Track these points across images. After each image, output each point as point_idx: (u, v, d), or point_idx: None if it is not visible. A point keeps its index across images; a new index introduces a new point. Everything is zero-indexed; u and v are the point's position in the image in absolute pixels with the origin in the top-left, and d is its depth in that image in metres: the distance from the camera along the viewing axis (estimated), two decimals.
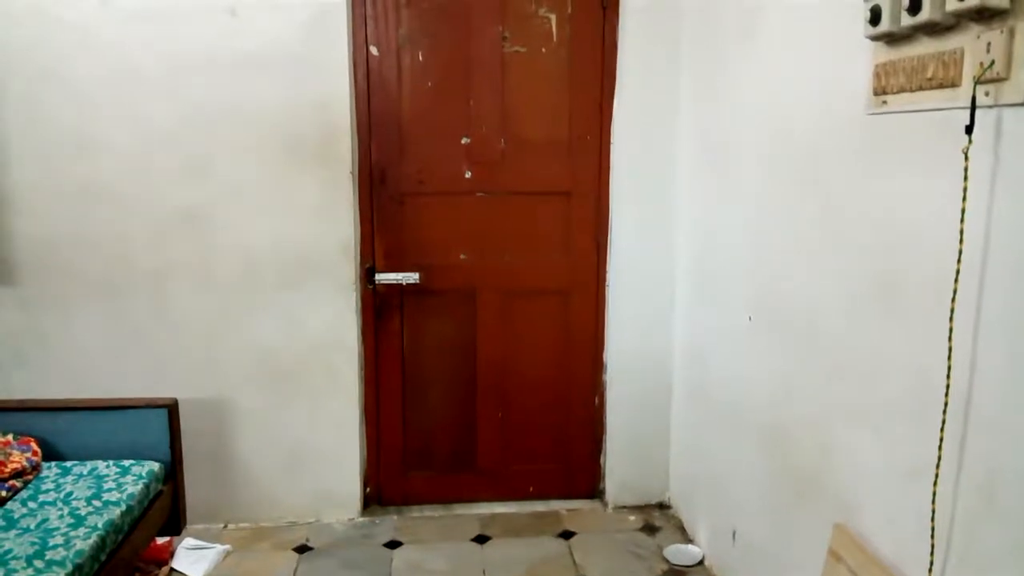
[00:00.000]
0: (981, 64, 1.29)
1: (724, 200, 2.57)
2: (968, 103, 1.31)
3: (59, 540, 1.99)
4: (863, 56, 1.65)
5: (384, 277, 2.98)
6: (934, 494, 1.43)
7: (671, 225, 3.00)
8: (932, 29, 1.41)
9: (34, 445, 2.43)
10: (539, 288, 3.09)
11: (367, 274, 2.98)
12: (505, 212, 3.01)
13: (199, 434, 2.85)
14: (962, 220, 1.34)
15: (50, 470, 2.40)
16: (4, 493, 2.22)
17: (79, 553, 1.94)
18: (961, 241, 1.35)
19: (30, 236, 2.77)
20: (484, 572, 2.68)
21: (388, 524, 3.01)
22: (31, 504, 2.20)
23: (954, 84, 1.38)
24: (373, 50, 2.86)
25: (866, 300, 1.71)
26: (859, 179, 1.73)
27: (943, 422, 1.41)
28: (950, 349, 1.38)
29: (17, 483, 2.28)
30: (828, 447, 1.89)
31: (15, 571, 1.84)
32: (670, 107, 2.92)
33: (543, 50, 2.92)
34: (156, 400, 2.55)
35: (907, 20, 1.43)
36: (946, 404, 1.40)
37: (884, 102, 1.60)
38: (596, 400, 3.16)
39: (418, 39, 2.87)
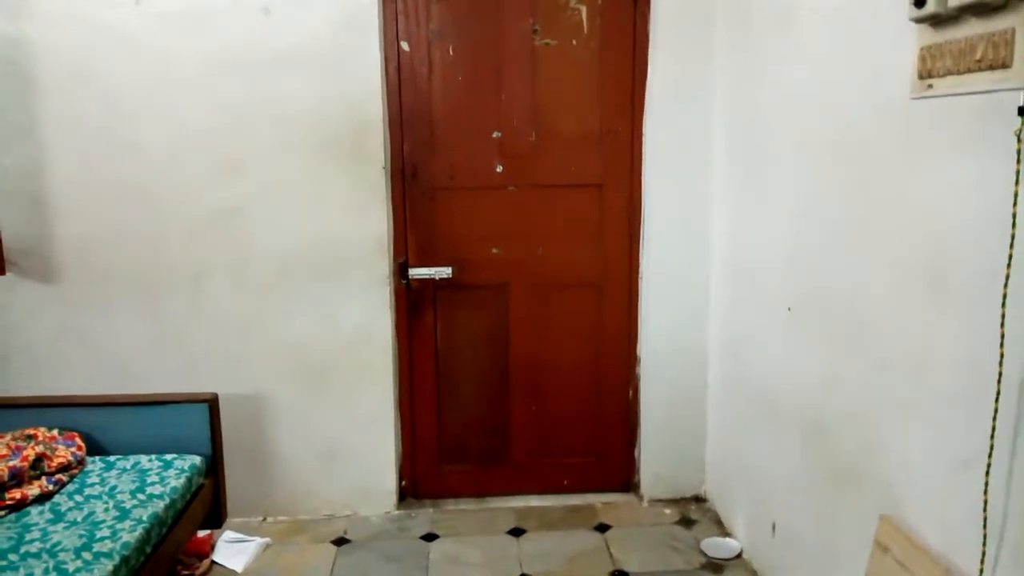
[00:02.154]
0: None
1: (762, 189, 2.54)
2: (1021, 84, 1.28)
3: (106, 533, 2.03)
4: (907, 39, 1.62)
5: (417, 272, 2.99)
6: (986, 484, 1.40)
7: (706, 216, 2.97)
8: (980, 9, 1.38)
9: (78, 440, 2.47)
10: (572, 281, 3.08)
11: (400, 269, 2.99)
12: (537, 206, 3.01)
13: (237, 429, 2.88)
14: (1015, 204, 1.31)
15: (94, 464, 2.44)
16: (51, 487, 2.26)
17: (126, 545, 1.98)
18: (1014, 226, 1.32)
19: (70, 236, 2.82)
20: (521, 565, 2.69)
21: (424, 517, 3.03)
22: (77, 497, 2.24)
23: (1005, 65, 1.35)
24: (404, 45, 2.87)
25: (912, 289, 1.68)
26: (903, 166, 1.70)
27: (995, 410, 1.38)
28: (1002, 336, 1.35)
29: (63, 477, 2.32)
30: (872, 439, 1.86)
31: (64, 563, 1.88)
32: (704, 97, 2.90)
33: (574, 42, 2.91)
34: (196, 395, 2.59)
35: (954, 1, 1.41)
36: (998, 392, 1.38)
37: (929, 86, 1.57)
38: (630, 393, 3.15)
39: (449, 33, 2.88)
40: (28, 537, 2.01)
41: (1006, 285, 1.34)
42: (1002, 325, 1.35)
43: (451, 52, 2.89)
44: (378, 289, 2.93)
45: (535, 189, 3.00)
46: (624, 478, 3.21)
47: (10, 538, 2.01)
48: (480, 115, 2.94)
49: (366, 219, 2.88)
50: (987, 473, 1.40)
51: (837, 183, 2.02)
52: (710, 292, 3.01)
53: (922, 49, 1.58)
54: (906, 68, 1.64)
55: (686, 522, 2.97)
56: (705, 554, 2.73)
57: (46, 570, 1.85)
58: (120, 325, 2.88)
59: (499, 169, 2.97)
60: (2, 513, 2.14)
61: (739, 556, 2.71)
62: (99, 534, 2.02)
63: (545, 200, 3.00)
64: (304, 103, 2.79)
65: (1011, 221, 1.32)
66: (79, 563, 1.88)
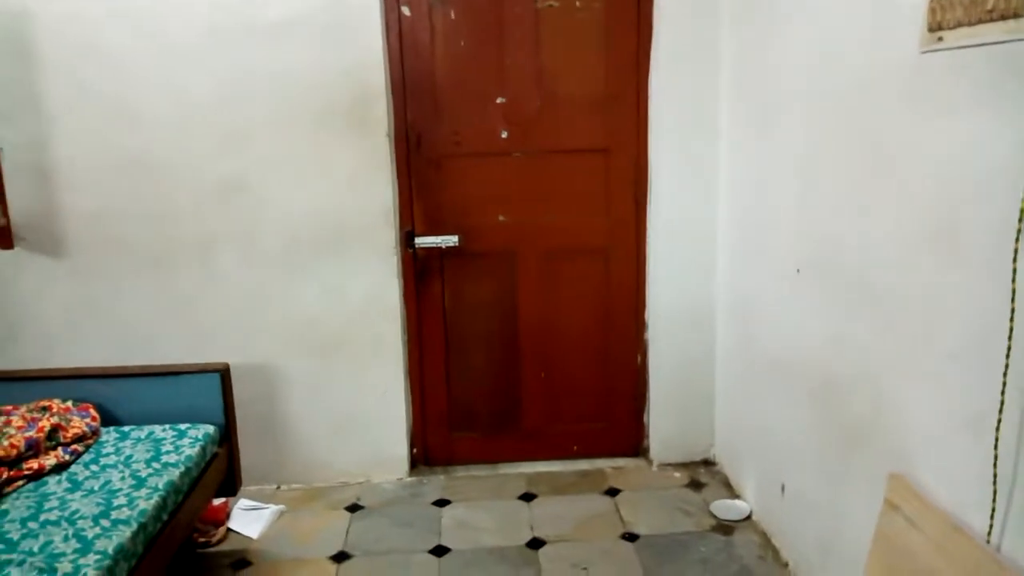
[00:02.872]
0: None
1: (768, 149, 2.51)
2: None
3: (123, 500, 2.06)
4: None
5: (424, 241, 2.99)
6: (996, 439, 1.40)
7: (713, 178, 2.94)
8: None
9: (93, 411, 2.50)
10: (579, 247, 3.07)
11: (407, 238, 2.99)
12: (543, 171, 2.99)
13: (249, 399, 2.91)
14: None
15: (109, 435, 2.47)
16: (68, 457, 2.29)
17: (143, 512, 2.01)
18: None
19: (79, 209, 2.83)
20: (532, 528, 2.72)
21: (436, 483, 3.06)
22: (93, 467, 2.27)
23: (1016, 15, 1.32)
24: (405, 10, 2.83)
25: (921, 247, 1.66)
26: (913, 122, 1.68)
27: (1006, 366, 1.37)
28: (1013, 291, 1.34)
29: (79, 447, 2.35)
30: (882, 398, 1.86)
31: (83, 530, 1.91)
32: (710, 57, 2.86)
33: (577, 4, 2.87)
34: (208, 365, 2.61)
35: None
36: (1009, 348, 1.37)
37: (940, 38, 1.54)
38: (638, 358, 3.15)
39: None
40: (47, 506, 2.05)
41: (1017, 240, 1.33)
42: (1013, 280, 1.34)
43: (452, 16, 2.85)
44: (385, 258, 2.93)
45: (541, 155, 2.97)
46: (633, 443, 3.23)
47: (29, 507, 2.04)
48: (483, 80, 2.91)
49: (371, 188, 2.87)
50: (997, 430, 1.40)
51: (845, 141, 1.99)
52: (718, 256, 2.99)
53: (932, 1, 1.54)
54: (916, 21, 1.61)
55: (695, 485, 2.99)
56: (715, 516, 2.75)
57: (65, 537, 1.88)
58: (129, 297, 2.90)
59: (504, 135, 2.95)
60: (20, 483, 2.18)
61: (748, 517, 2.73)
62: (116, 502, 2.05)
63: (551, 166, 2.98)
64: (306, 72, 2.77)
65: (1023, 175, 1.30)
66: (98, 530, 1.91)
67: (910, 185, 1.70)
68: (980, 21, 1.42)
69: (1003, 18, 1.36)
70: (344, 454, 3.07)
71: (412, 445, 3.15)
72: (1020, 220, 1.32)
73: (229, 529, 2.75)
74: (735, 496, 2.88)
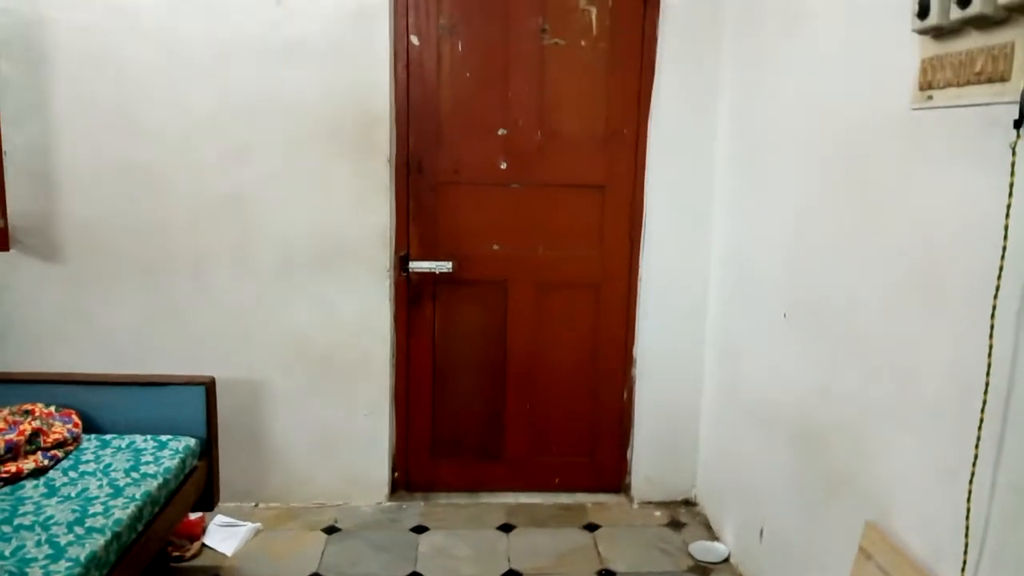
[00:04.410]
0: None
1: (762, 196, 2.56)
2: (1018, 97, 1.29)
3: (99, 508, 2.05)
4: (909, 51, 1.64)
5: (418, 265, 3.01)
6: (969, 492, 1.42)
7: (707, 220, 2.99)
8: (982, 23, 1.40)
9: (75, 417, 2.49)
10: (571, 281, 3.10)
11: (401, 262, 3.01)
12: (539, 204, 3.03)
13: (233, 414, 2.90)
14: (1007, 216, 1.32)
15: (90, 442, 2.46)
16: (46, 462, 2.28)
17: (118, 522, 1.99)
18: (1005, 238, 1.33)
19: (76, 216, 2.84)
20: (509, 560, 2.70)
21: (415, 509, 3.05)
22: (72, 474, 2.26)
23: (1003, 78, 1.36)
24: (414, 40, 2.89)
25: (905, 298, 1.69)
26: (901, 176, 1.72)
27: (981, 420, 1.39)
28: (991, 347, 1.37)
29: (59, 453, 2.34)
30: (861, 448, 1.87)
31: (57, 536, 1.90)
32: (709, 102, 2.91)
33: (582, 43, 2.93)
34: (194, 378, 2.60)
35: (956, 13, 1.42)
36: (985, 402, 1.39)
37: (930, 97, 1.58)
38: (625, 395, 3.16)
39: (458, 29, 2.90)
40: (22, 510, 2.03)
41: (995, 296, 1.36)
42: (990, 336, 1.36)
43: (460, 48, 2.91)
44: (378, 281, 2.95)
45: (538, 188, 3.01)
46: (615, 479, 3.22)
47: (3, 510, 2.03)
48: (486, 112, 2.96)
49: (369, 211, 2.90)
50: (971, 482, 1.42)
51: (835, 191, 2.03)
52: (708, 297, 3.02)
53: (924, 61, 1.59)
54: (908, 79, 1.65)
55: (675, 525, 2.99)
56: (693, 557, 2.74)
57: (38, 542, 1.87)
58: (121, 306, 2.90)
59: (503, 166, 2.99)
60: None
61: (726, 560, 2.72)
62: (92, 509, 2.04)
63: (548, 199, 3.02)
64: (312, 93, 2.81)
65: (1003, 233, 1.33)
66: (71, 537, 1.90)
67: (897, 238, 1.73)
68: (968, 83, 1.46)
69: (990, 81, 1.40)
70: (324, 474, 3.06)
71: (394, 469, 3.14)
72: (999, 277, 1.35)
73: (204, 545, 2.73)
74: (714, 538, 2.87)
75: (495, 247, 3.04)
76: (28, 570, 1.75)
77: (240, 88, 2.80)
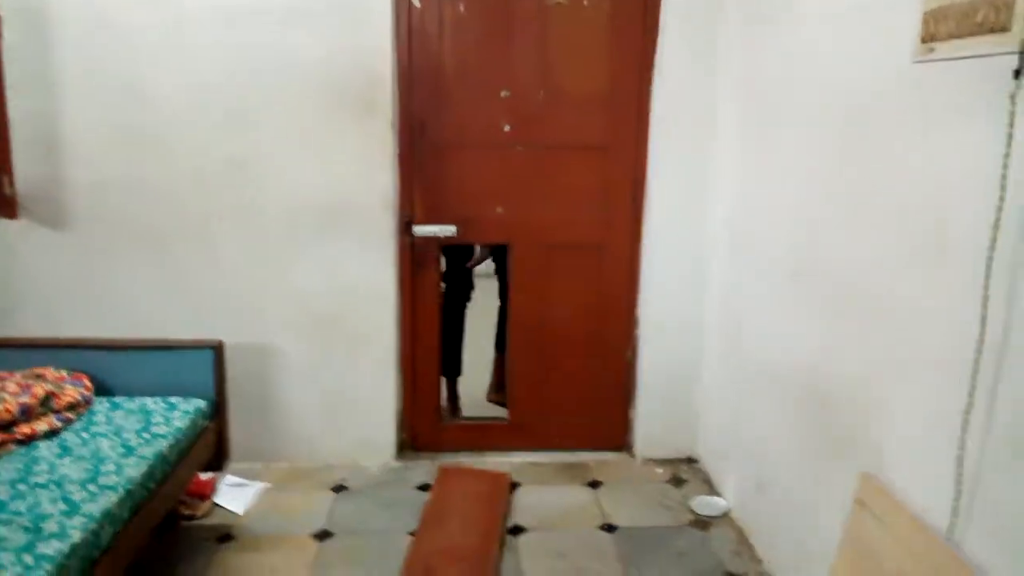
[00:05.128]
0: None
1: (766, 156, 2.55)
2: (1018, 47, 1.29)
3: (111, 467, 2.09)
4: (912, 3, 1.62)
5: (422, 229, 3.02)
6: (962, 440, 1.44)
7: (709, 181, 2.98)
8: None
9: (86, 381, 2.54)
10: (575, 242, 3.10)
11: (405, 226, 3.02)
12: (543, 166, 3.02)
13: (242, 377, 2.94)
14: (1005, 166, 1.33)
15: (101, 404, 2.50)
16: (59, 424, 2.33)
17: (130, 479, 2.04)
18: (1003, 188, 1.34)
19: (83, 183, 2.86)
20: (514, 516, 2.76)
21: (422, 469, 3.10)
22: (84, 435, 2.30)
23: (1004, 28, 1.35)
24: (415, 1, 2.86)
25: (905, 254, 1.70)
26: (903, 131, 1.71)
27: (975, 371, 1.41)
28: (986, 298, 1.38)
29: (71, 415, 2.38)
30: (860, 402, 1.90)
31: (71, 493, 1.95)
32: (712, 61, 2.89)
33: (585, 2, 2.90)
34: (202, 341, 2.64)
35: None
36: (979, 353, 1.40)
37: (931, 49, 1.57)
38: (628, 354, 3.19)
39: None
40: (36, 469, 2.08)
41: (992, 247, 1.36)
42: (985, 287, 1.37)
43: (462, 9, 2.89)
44: (383, 245, 2.97)
45: (541, 149, 3.01)
46: (619, 438, 3.26)
47: (19, 469, 2.08)
48: (489, 74, 2.94)
49: (373, 175, 2.91)
50: (963, 430, 1.44)
51: (839, 148, 2.03)
52: (711, 257, 3.03)
53: (926, 13, 1.58)
54: (910, 32, 1.64)
55: (677, 481, 3.03)
56: (693, 511, 2.79)
57: (53, 499, 1.92)
58: (129, 272, 2.93)
59: (506, 128, 2.98)
60: (12, 447, 2.21)
61: (726, 514, 2.77)
62: (104, 468, 2.09)
63: (551, 161, 3.02)
64: (315, 57, 2.80)
65: (1000, 183, 1.33)
66: (84, 494, 1.95)
67: (897, 190, 1.73)
68: (970, 33, 1.45)
69: (991, 31, 1.39)
70: (332, 436, 3.11)
71: (400, 430, 3.19)
72: (995, 228, 1.36)
73: (215, 504, 2.79)
74: (715, 493, 2.91)
75: (499, 210, 3.05)
76: (43, 525, 1.80)
77: (244, 53, 2.79)
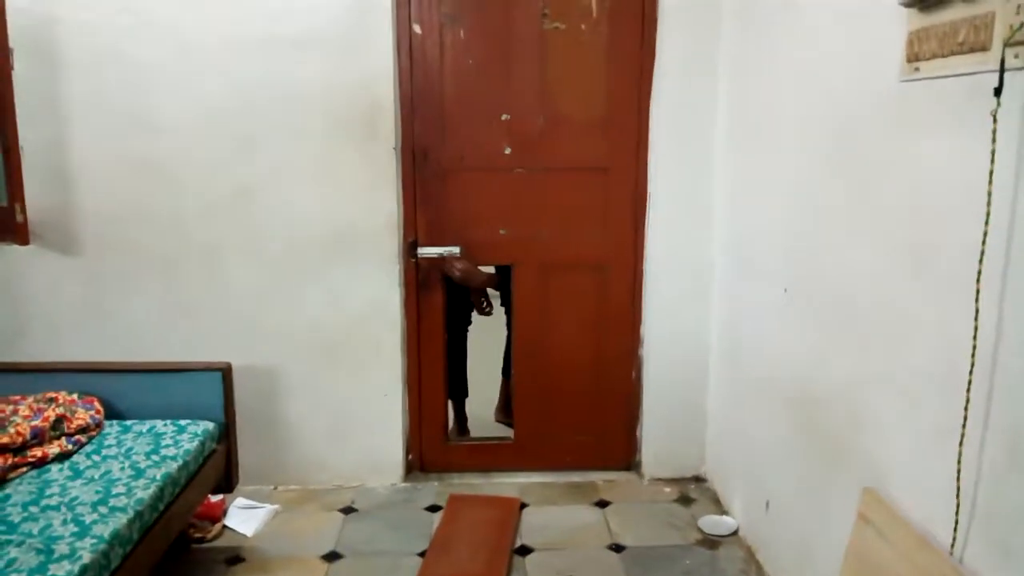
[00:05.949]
0: (1011, 27, 1.30)
1: (760, 174, 2.58)
2: (997, 66, 1.32)
3: (121, 489, 2.13)
4: (898, 24, 1.66)
5: (426, 251, 3.06)
6: (960, 453, 1.45)
7: (709, 200, 3.01)
8: None
9: (97, 404, 2.58)
10: (577, 263, 3.14)
11: (410, 248, 3.06)
12: (544, 188, 3.06)
13: (250, 401, 2.98)
14: (990, 183, 1.35)
15: (112, 427, 2.54)
16: (70, 446, 2.37)
17: (140, 501, 2.07)
18: (988, 204, 1.36)
19: (91, 211, 2.92)
20: (521, 535, 2.76)
21: (429, 490, 3.11)
22: (95, 457, 2.34)
23: (984, 48, 1.38)
24: (416, 28, 2.93)
25: (898, 268, 1.72)
26: (891, 148, 1.75)
27: (969, 383, 1.43)
28: (977, 311, 1.40)
29: (82, 438, 2.42)
30: (859, 416, 1.91)
31: (82, 515, 1.98)
32: (709, 82, 2.93)
33: (582, 27, 2.95)
34: (211, 364, 2.68)
35: None
36: (972, 365, 1.42)
37: (916, 68, 1.61)
38: (633, 373, 3.20)
39: (460, 16, 2.93)
40: (48, 492, 2.12)
41: (980, 261, 1.38)
42: (976, 300, 1.39)
43: (462, 35, 2.95)
44: (388, 267, 3.01)
45: (542, 172, 3.05)
46: (625, 457, 3.27)
47: (31, 492, 2.12)
48: (489, 98, 2.99)
49: (377, 198, 2.95)
50: (960, 443, 1.45)
51: (830, 166, 2.06)
52: (713, 274, 3.05)
53: (911, 33, 1.62)
54: (896, 52, 1.68)
55: (685, 500, 3.03)
56: (702, 531, 2.79)
57: (64, 521, 1.95)
58: (137, 298, 2.98)
59: (507, 151, 3.03)
60: (24, 470, 2.25)
61: (735, 533, 2.76)
62: (115, 490, 2.12)
63: (552, 183, 3.06)
64: (318, 84, 2.86)
65: (986, 199, 1.36)
66: (95, 516, 1.98)
67: (888, 206, 1.76)
68: (952, 53, 1.49)
69: (972, 51, 1.43)
70: (340, 458, 3.13)
71: (408, 451, 3.21)
72: (983, 242, 1.38)
73: (225, 526, 2.81)
74: (723, 512, 2.91)
75: (502, 231, 3.09)
76: (55, 546, 1.83)
77: (248, 81, 2.86)
